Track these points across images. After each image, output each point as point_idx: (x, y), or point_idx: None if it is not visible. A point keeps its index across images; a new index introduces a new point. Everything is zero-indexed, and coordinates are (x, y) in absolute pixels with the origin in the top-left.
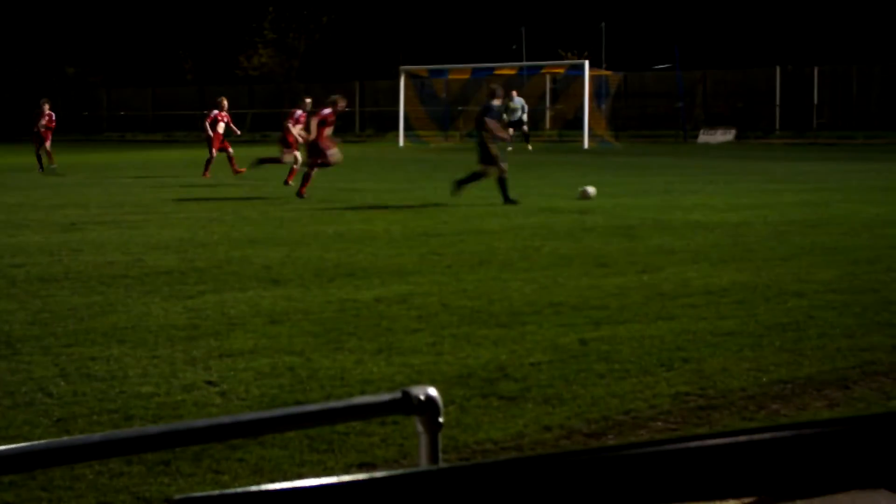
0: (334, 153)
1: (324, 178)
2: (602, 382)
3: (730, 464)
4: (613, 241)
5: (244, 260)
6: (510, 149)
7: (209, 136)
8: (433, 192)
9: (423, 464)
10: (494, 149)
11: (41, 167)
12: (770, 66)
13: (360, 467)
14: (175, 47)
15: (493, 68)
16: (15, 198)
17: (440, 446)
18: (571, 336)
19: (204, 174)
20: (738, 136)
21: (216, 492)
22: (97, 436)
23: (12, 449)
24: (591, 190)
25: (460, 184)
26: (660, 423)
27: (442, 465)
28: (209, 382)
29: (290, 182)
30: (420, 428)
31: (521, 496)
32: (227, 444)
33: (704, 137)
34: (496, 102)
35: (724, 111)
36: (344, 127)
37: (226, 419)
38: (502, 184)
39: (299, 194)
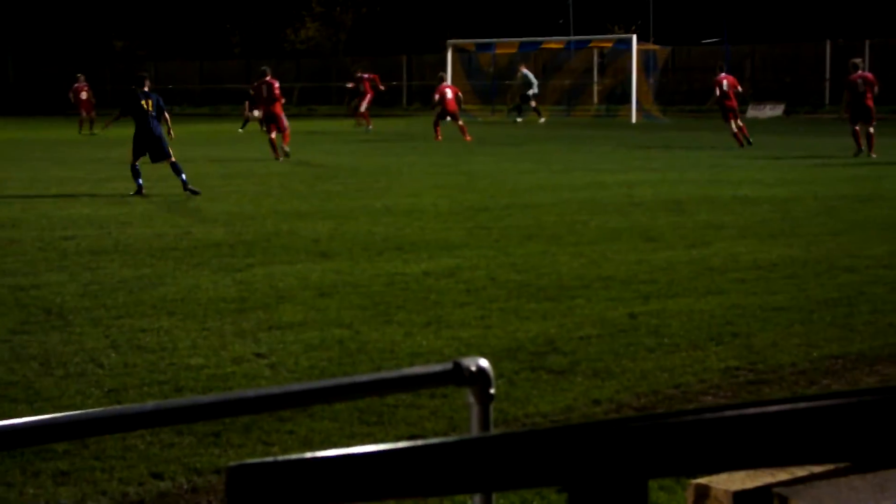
0: None
1: (365, 154)
2: (651, 356)
3: (814, 429)
4: (661, 215)
5: (292, 233)
6: (518, 119)
7: (434, 104)
8: (480, 166)
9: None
10: None
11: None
12: (820, 39)
13: (410, 439)
14: (222, 21)
15: (540, 42)
16: (63, 171)
17: (491, 418)
18: (620, 310)
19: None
20: (786, 111)
21: (272, 458)
22: (149, 405)
23: (65, 416)
24: None
25: None
26: (710, 398)
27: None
28: (258, 355)
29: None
30: (471, 399)
31: (576, 462)
32: (276, 416)
33: (753, 112)
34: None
35: (772, 86)
36: (391, 101)
37: (276, 389)
38: None
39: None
